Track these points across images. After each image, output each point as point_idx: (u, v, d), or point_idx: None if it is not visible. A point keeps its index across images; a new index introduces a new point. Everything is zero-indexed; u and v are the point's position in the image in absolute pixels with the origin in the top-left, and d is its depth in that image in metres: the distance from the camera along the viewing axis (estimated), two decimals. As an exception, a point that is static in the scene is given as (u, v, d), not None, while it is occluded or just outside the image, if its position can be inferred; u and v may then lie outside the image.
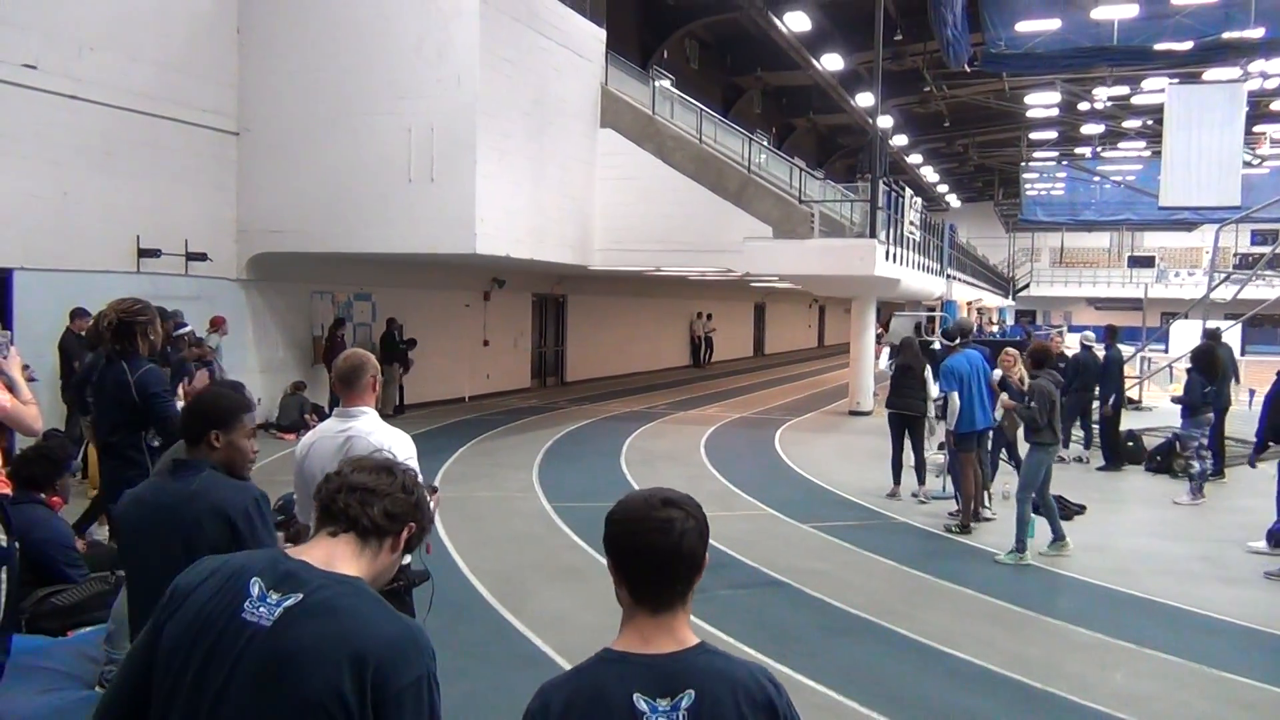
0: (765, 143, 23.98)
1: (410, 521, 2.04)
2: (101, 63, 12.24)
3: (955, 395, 9.68)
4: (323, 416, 15.56)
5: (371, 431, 3.81)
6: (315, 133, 13.93)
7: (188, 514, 3.00)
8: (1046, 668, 6.10)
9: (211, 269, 13.83)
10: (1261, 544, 9.05)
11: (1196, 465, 11.26)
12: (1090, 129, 38.58)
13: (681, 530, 1.89)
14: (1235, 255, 38.71)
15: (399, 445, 3.67)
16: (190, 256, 13.48)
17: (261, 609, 1.81)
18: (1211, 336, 13.37)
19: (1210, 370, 11.40)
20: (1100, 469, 13.31)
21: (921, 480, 11.04)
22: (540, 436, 15.07)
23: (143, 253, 12.84)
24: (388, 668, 1.77)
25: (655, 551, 1.87)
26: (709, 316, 32.08)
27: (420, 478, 2.21)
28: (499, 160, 13.99)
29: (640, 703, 1.79)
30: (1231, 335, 12.43)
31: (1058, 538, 8.90)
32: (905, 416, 11.04)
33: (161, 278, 12.84)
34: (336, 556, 1.93)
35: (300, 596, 1.82)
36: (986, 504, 10.36)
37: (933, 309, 23.87)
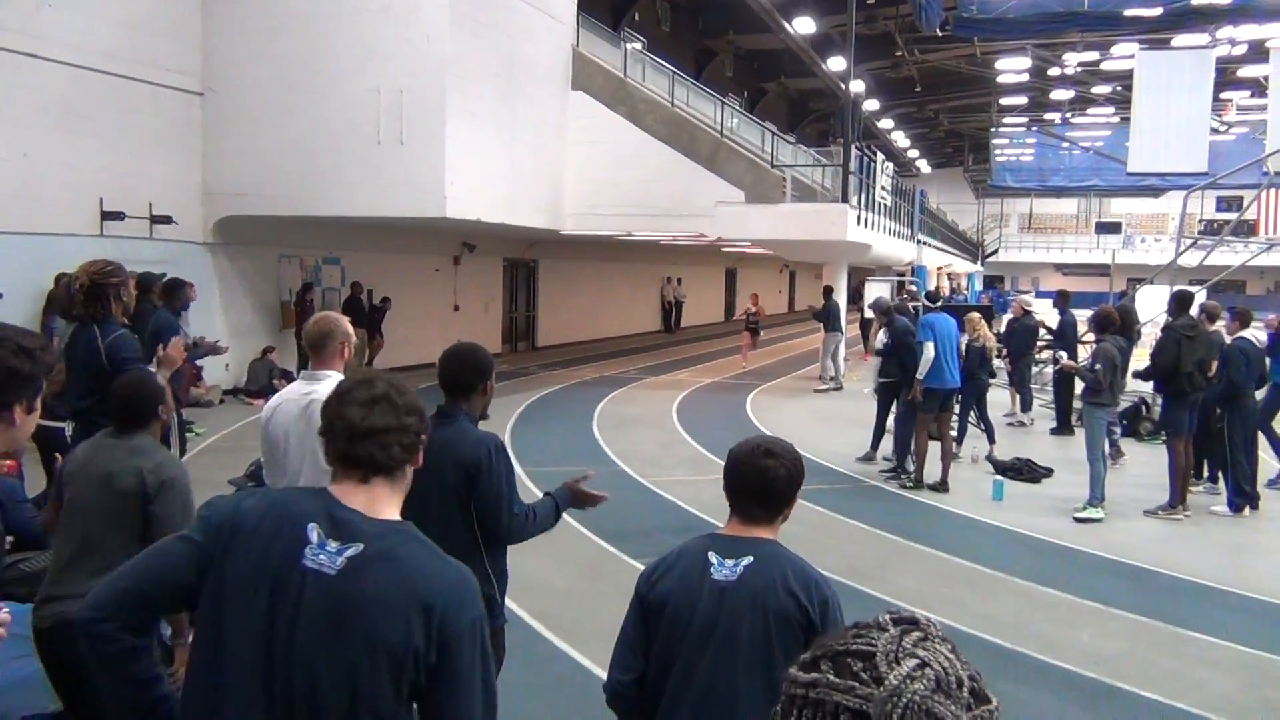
0: (737, 107, 23.80)
1: (421, 431, 2.14)
2: (62, 21, 11.95)
3: (930, 345, 9.77)
4: (291, 381, 15.46)
5: None
6: (282, 94, 13.70)
7: None
8: (1015, 628, 6.19)
9: (177, 232, 13.62)
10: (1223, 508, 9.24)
11: (1117, 430, 11.39)
12: (1060, 95, 38.66)
13: (774, 476, 2.58)
14: (1201, 221, 39.07)
15: None
16: (155, 219, 13.27)
17: (323, 556, 1.90)
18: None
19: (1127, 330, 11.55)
20: (1053, 432, 13.44)
21: (897, 449, 11.04)
22: (512, 401, 15.02)
23: (106, 215, 12.62)
24: (451, 611, 1.92)
25: (750, 489, 2.60)
26: (679, 281, 32.04)
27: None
28: (469, 122, 13.83)
29: (711, 556, 2.55)
30: (1198, 300, 12.62)
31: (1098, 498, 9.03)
32: (893, 385, 11.05)
33: (126, 241, 12.63)
34: (378, 501, 2.03)
35: (361, 546, 1.92)
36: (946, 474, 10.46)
37: (903, 274, 23.92)
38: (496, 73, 14.72)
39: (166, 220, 13.33)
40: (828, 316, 18.13)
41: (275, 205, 14.04)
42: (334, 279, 17.59)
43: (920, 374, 9.91)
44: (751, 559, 2.53)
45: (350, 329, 4.06)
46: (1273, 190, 26.04)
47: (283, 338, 15.99)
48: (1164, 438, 10.55)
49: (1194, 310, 9.54)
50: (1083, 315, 13.68)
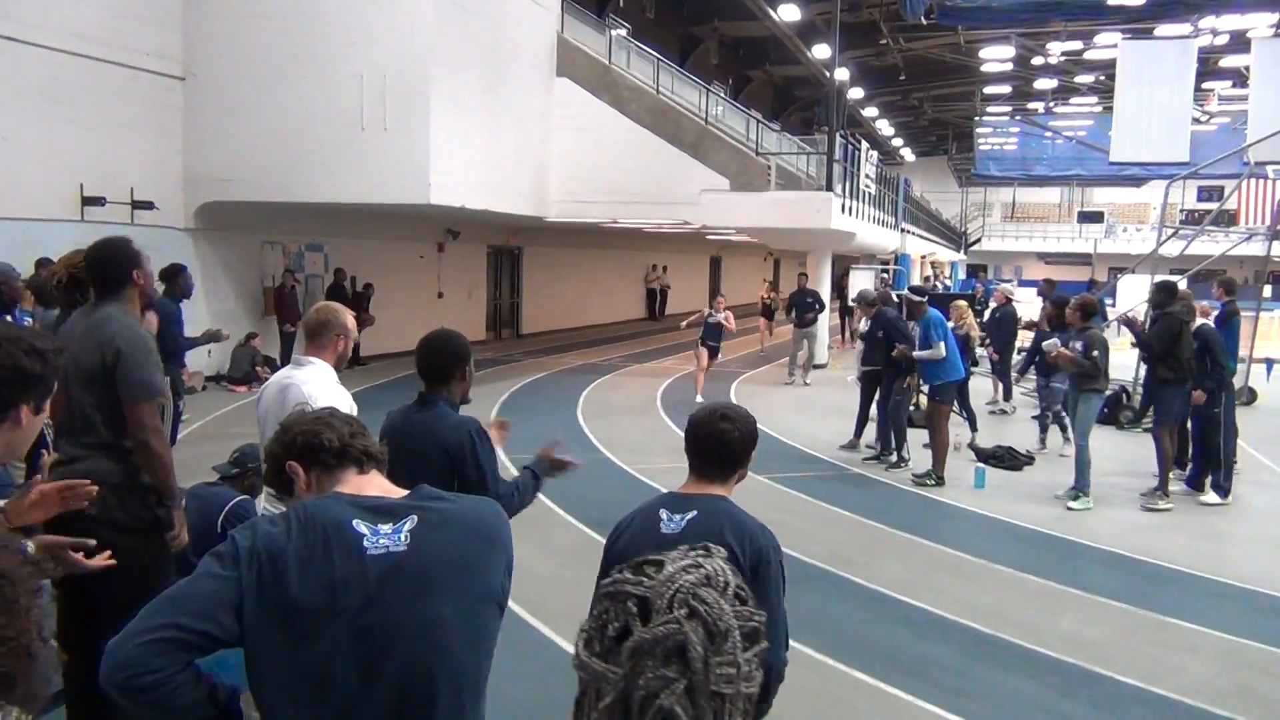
0: (722, 94, 23.80)
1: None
2: (41, 4, 11.85)
3: (943, 346, 9.82)
4: (274, 368, 15.38)
5: (307, 382, 3.81)
6: (264, 79, 13.60)
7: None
8: (997, 615, 6.24)
9: (158, 218, 13.53)
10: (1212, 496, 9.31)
11: (1066, 417, 11.43)
12: (1043, 84, 38.75)
13: (729, 439, 2.78)
14: (1182, 211, 39.26)
15: (338, 404, 3.66)
16: (136, 205, 13.18)
17: (384, 540, 1.97)
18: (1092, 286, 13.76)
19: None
20: (1035, 418, 13.50)
21: (880, 436, 11.07)
22: (496, 389, 15.00)
23: (86, 201, 12.52)
24: (510, 541, 2.13)
25: (707, 449, 2.80)
26: (664, 269, 32.01)
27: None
28: (453, 109, 13.77)
29: (662, 513, 2.71)
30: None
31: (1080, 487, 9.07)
32: (876, 374, 11.08)
33: (106, 227, 12.47)
34: (388, 485, 2.17)
35: (415, 518, 2.01)
36: (907, 455, 10.51)
37: (887, 263, 23.99)
38: (481, 59, 14.65)
39: (148, 206, 13.23)
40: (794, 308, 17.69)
41: (258, 191, 13.96)
42: (317, 266, 17.51)
43: (944, 371, 9.91)
44: (696, 512, 2.68)
45: (350, 325, 4.04)
46: (1253, 180, 26.24)
47: (265, 324, 15.91)
48: (1146, 426, 10.67)
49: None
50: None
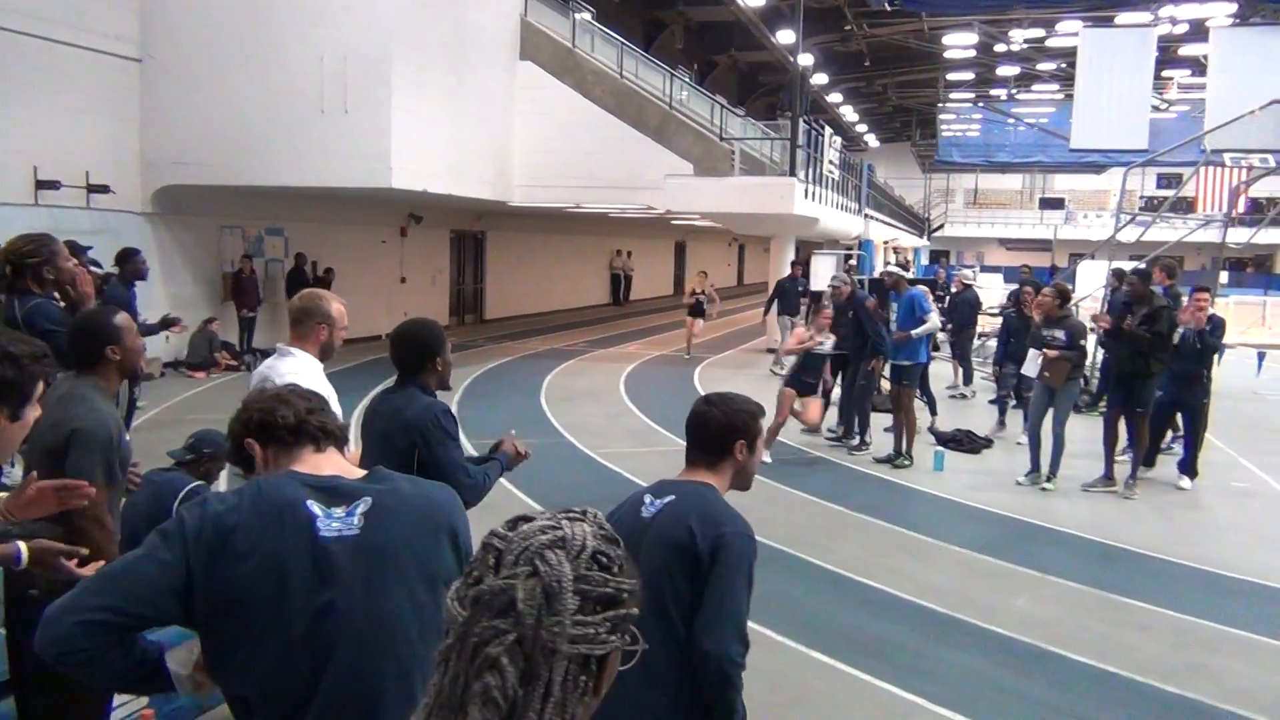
0: (687, 79, 23.73)
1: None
2: (-9, -19, 11.61)
3: (934, 316, 10.00)
4: (233, 354, 15.24)
5: (285, 376, 3.69)
6: (222, 60, 13.41)
7: None
8: (954, 594, 6.32)
9: (115, 202, 13.33)
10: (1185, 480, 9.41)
11: (1013, 400, 11.60)
12: (1006, 71, 39.00)
13: (706, 420, 2.75)
14: (1141, 198, 39.72)
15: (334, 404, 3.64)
16: (92, 189, 12.98)
17: (336, 523, 1.95)
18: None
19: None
20: (993, 401, 13.63)
21: (844, 419, 11.13)
22: (459, 374, 14.91)
23: (41, 184, 12.31)
24: (463, 526, 2.13)
25: (690, 431, 2.80)
26: (628, 254, 31.99)
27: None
28: (415, 92, 13.66)
29: (646, 497, 2.73)
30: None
31: (1036, 469, 9.19)
32: (837, 358, 11.13)
33: (62, 210, 12.33)
34: (344, 465, 2.14)
35: (369, 501, 1.99)
36: (869, 439, 10.60)
37: (850, 249, 24.10)
38: (443, 41, 14.53)
39: (103, 189, 13.03)
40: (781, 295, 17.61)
41: (216, 174, 13.78)
42: (277, 250, 17.33)
43: (910, 354, 10.09)
44: (674, 497, 2.67)
45: (334, 312, 3.94)
46: (1210, 168, 26.59)
47: (224, 310, 15.73)
48: (1101, 410, 10.80)
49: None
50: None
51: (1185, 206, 29.30)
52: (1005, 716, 4.76)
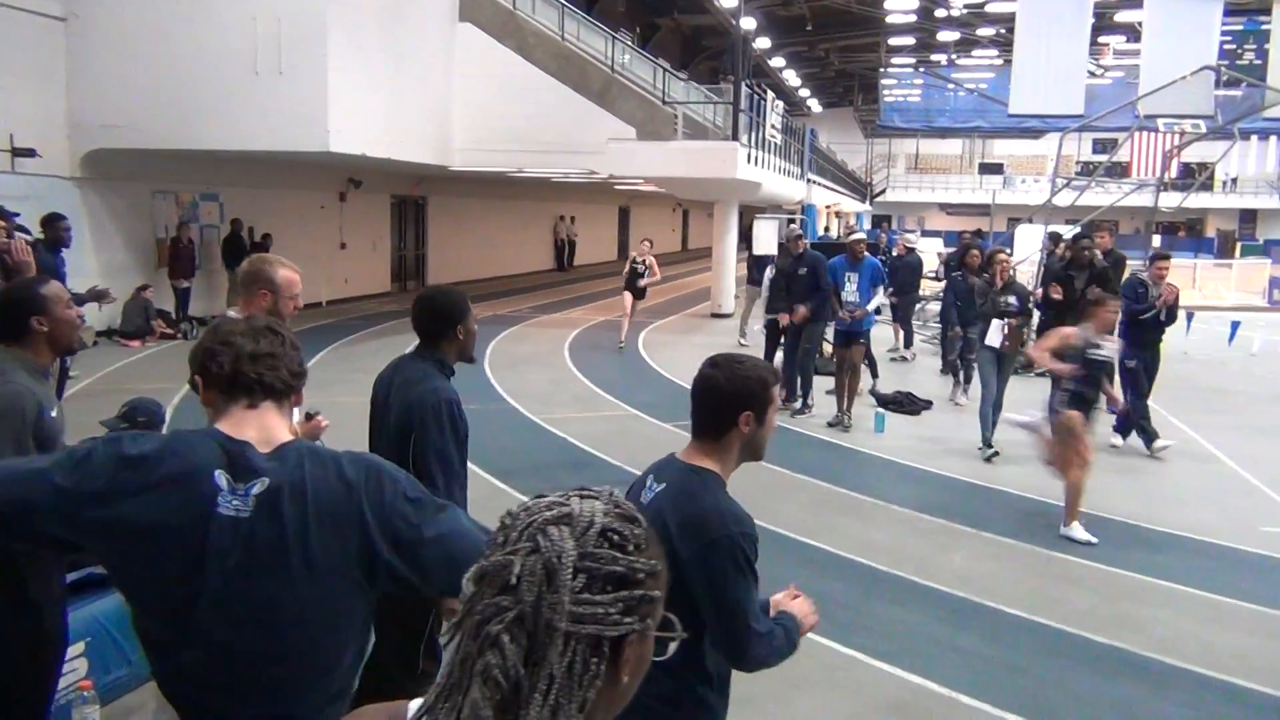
0: (629, 42, 23.57)
1: (303, 377, 2.10)
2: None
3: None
4: (169, 322, 14.95)
5: None
6: (151, 19, 13.04)
7: None
8: (893, 552, 6.44)
9: (41, 166, 12.96)
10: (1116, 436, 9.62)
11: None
12: (946, 36, 39.29)
13: (708, 386, 2.48)
14: (1078, 163, 40.32)
15: None
16: (16, 153, 12.60)
17: (236, 501, 1.85)
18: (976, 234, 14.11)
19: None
20: (943, 373, 13.84)
21: (787, 383, 11.19)
22: (401, 341, 14.76)
23: (-39, 148, 11.94)
24: (388, 509, 1.92)
25: (693, 398, 2.52)
26: (572, 220, 31.85)
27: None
28: (352, 53, 13.41)
29: (648, 479, 2.53)
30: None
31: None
32: (774, 322, 11.21)
33: (-15, 174, 11.98)
34: (271, 428, 1.97)
35: (266, 482, 1.86)
36: (812, 401, 10.75)
37: (793, 213, 24.21)
38: (380, 2, 14.26)
39: (29, 153, 12.65)
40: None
41: (147, 138, 13.42)
42: (212, 216, 16.97)
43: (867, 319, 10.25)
44: (665, 485, 2.46)
45: (281, 279, 3.75)
46: (1143, 133, 27.02)
47: (158, 276, 15.40)
48: (1038, 371, 10.98)
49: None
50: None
51: (1120, 171, 29.72)
52: (942, 668, 4.87)
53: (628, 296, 15.07)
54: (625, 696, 1.11)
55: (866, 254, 10.54)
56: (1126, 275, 10.87)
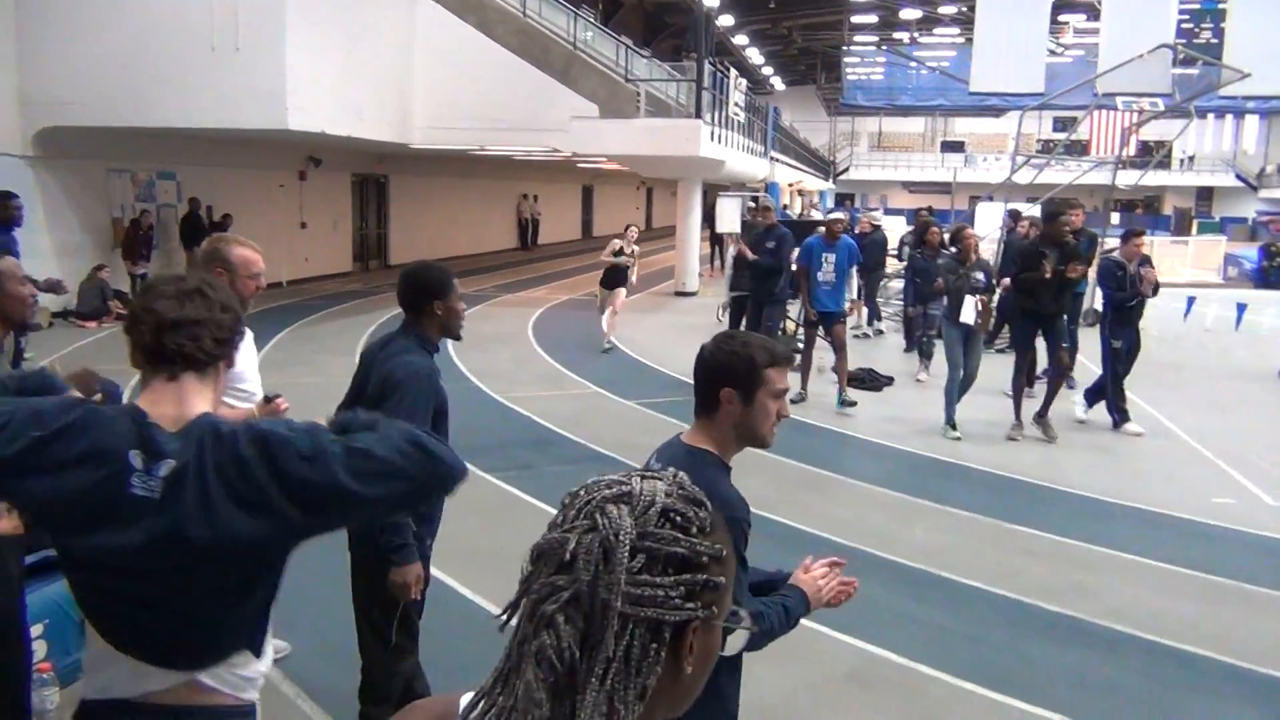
0: (591, 19, 23.41)
1: (237, 328, 2.04)
2: None
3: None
4: (125, 303, 14.73)
5: None
6: (104, -6, 12.82)
7: None
8: (854, 526, 6.52)
9: (-9, 144, 12.73)
10: (1081, 408, 9.75)
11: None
12: (908, 14, 39.38)
13: (699, 358, 2.54)
14: (1039, 141, 40.67)
15: (244, 361, 3.59)
16: (-35, 130, 12.36)
17: (151, 481, 1.82)
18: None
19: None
20: (907, 351, 13.95)
21: None
22: (363, 321, 14.70)
23: (-91, 125, 11.69)
24: (281, 459, 1.86)
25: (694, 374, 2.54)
26: (535, 198, 31.72)
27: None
28: (311, 29, 13.25)
29: (652, 459, 2.52)
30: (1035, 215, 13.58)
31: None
32: (743, 299, 11.25)
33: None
34: (188, 400, 1.93)
35: (171, 464, 1.83)
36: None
37: (757, 191, 24.25)
38: (339, -24, 14.11)
39: (-22, 130, 12.43)
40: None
41: (102, 115, 13.20)
42: (170, 195, 16.75)
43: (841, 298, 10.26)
44: (663, 467, 2.38)
45: (237, 257, 3.70)
46: (1102, 111, 27.27)
47: (114, 257, 15.19)
48: (999, 348, 11.11)
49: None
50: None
51: (1080, 149, 30.01)
52: (901, 638, 4.95)
53: (612, 291, 13.07)
54: (690, 690, 1.06)
55: (844, 234, 10.51)
56: (1099, 255, 10.98)
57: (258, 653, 2.01)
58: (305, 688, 4.32)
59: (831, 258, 10.12)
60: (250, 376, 3.65)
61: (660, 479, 1.08)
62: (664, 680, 1.00)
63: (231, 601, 1.92)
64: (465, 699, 1.09)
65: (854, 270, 10.55)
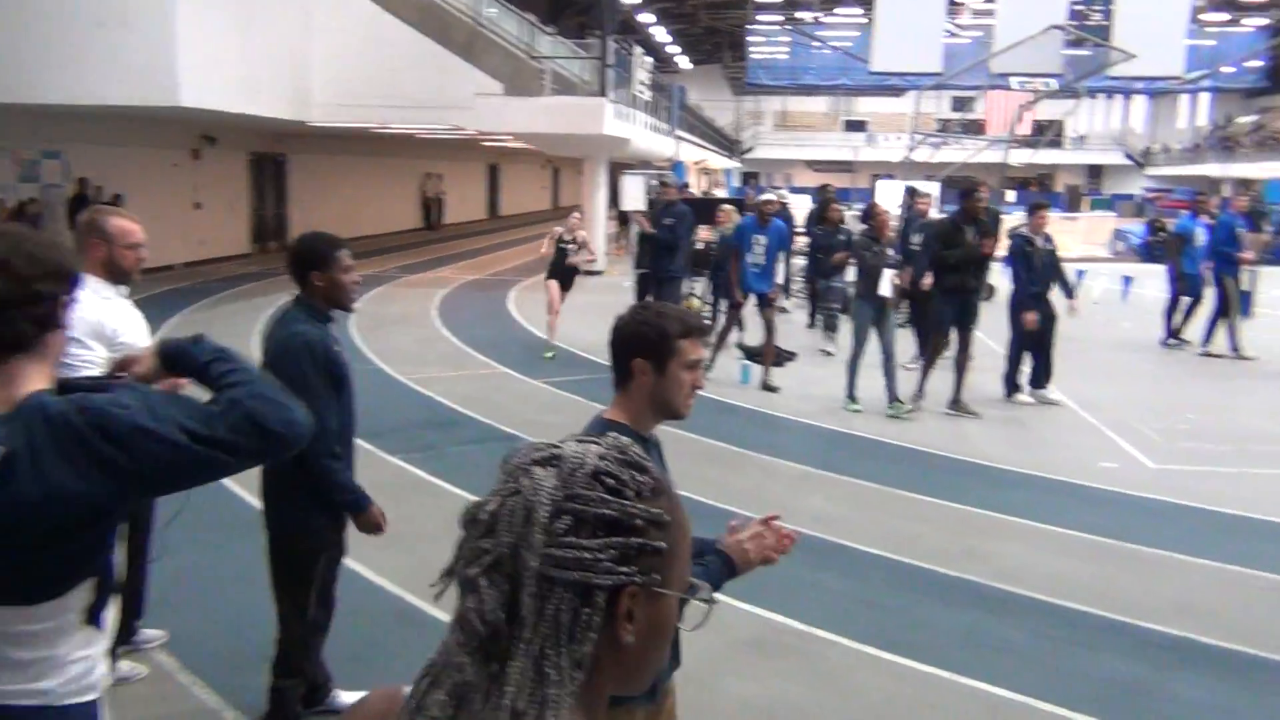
0: (495, -5, 23.18)
1: (59, 294, 1.84)
2: None
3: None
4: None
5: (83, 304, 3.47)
6: (-22, -37, 12.23)
7: None
8: (753, 496, 6.64)
9: None
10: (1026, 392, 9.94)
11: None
12: (812, -7, 39.80)
13: (613, 328, 2.47)
14: (938, 121, 41.50)
15: (122, 325, 3.49)
16: None
17: None
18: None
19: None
20: (810, 326, 14.15)
21: None
22: (262, 304, 14.34)
23: None
24: (112, 449, 1.75)
25: None
26: (440, 177, 31.32)
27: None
28: (203, 3, 12.85)
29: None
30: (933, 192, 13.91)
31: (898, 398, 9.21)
32: (649, 277, 11.29)
33: None
34: (19, 380, 1.80)
35: (3, 450, 1.72)
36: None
37: (663, 169, 24.32)
38: (230, -51, 13.69)
39: None
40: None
41: (-21, 91, 12.63)
42: (56, 175, 16.11)
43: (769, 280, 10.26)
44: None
45: (114, 228, 3.66)
46: (997, 91, 27.97)
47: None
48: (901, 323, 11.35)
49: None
50: None
51: (978, 129, 30.77)
52: (800, 605, 5.06)
53: (553, 286, 11.63)
54: (639, 663, 1.03)
55: (775, 217, 10.52)
56: (1006, 232, 11.22)
57: (94, 621, 1.93)
58: (199, 673, 4.23)
59: (763, 239, 10.15)
60: (126, 330, 3.57)
61: (598, 443, 1.04)
62: (604, 650, 0.97)
63: (55, 545, 1.82)
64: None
65: (781, 254, 10.52)
